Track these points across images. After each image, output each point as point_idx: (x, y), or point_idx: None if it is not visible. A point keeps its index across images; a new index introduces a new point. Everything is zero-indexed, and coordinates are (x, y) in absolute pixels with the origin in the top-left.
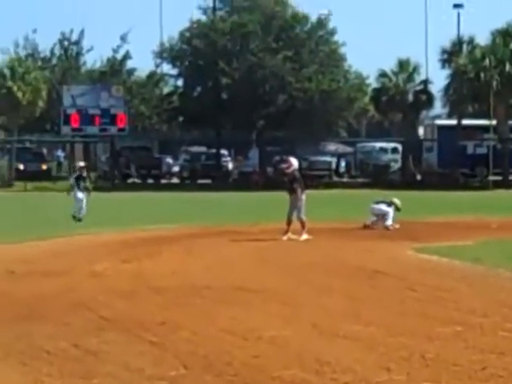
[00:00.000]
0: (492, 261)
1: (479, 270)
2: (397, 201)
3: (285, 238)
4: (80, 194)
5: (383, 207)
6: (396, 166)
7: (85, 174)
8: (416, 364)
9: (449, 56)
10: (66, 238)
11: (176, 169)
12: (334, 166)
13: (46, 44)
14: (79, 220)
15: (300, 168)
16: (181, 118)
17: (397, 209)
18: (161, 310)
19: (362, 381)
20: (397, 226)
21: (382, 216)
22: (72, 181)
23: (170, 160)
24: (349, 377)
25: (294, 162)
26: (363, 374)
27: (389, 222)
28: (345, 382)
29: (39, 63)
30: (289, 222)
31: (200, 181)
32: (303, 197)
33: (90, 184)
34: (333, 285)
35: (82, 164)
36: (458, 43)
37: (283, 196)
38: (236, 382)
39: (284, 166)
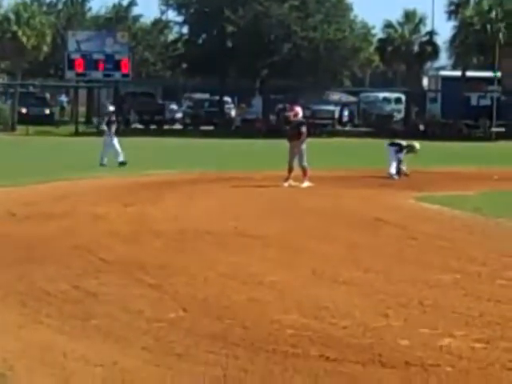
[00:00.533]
0: (493, 211)
1: (480, 219)
2: (416, 144)
3: (286, 184)
4: (114, 139)
5: (391, 152)
6: (399, 116)
7: (114, 118)
8: (414, 310)
9: (455, 7)
10: (68, 181)
11: (179, 115)
12: (337, 115)
13: None
14: (123, 163)
15: (303, 117)
16: (185, 65)
17: (413, 151)
18: (161, 254)
19: (361, 326)
20: (396, 177)
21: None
22: (104, 127)
23: (173, 106)
24: (347, 322)
25: (300, 110)
26: (361, 320)
27: (392, 170)
28: (343, 327)
29: (44, 8)
30: (290, 169)
31: (203, 127)
32: (304, 145)
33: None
34: (333, 232)
35: (111, 108)
36: None
37: (285, 144)
38: (235, 325)
39: (290, 113)
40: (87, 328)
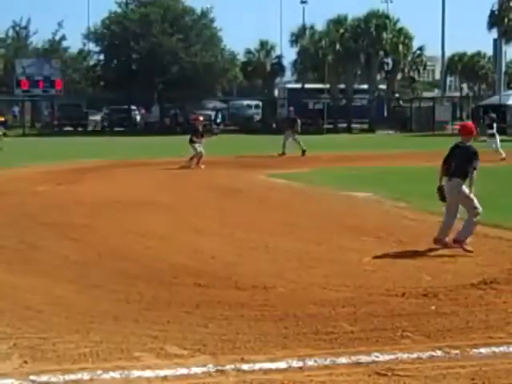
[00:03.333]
0: (320, 182)
1: (311, 188)
2: None
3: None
4: None
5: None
6: (258, 117)
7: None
8: (260, 252)
9: (296, 38)
10: (16, 168)
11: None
12: (213, 117)
13: (2, 28)
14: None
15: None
16: (102, 83)
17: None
18: (83, 218)
19: (222, 262)
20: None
21: None
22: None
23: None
24: (213, 260)
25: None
26: (223, 258)
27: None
28: (210, 264)
29: None
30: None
31: (116, 128)
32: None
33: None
34: (207, 198)
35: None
36: (303, 29)
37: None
38: (135, 264)
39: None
40: (29, 269)
